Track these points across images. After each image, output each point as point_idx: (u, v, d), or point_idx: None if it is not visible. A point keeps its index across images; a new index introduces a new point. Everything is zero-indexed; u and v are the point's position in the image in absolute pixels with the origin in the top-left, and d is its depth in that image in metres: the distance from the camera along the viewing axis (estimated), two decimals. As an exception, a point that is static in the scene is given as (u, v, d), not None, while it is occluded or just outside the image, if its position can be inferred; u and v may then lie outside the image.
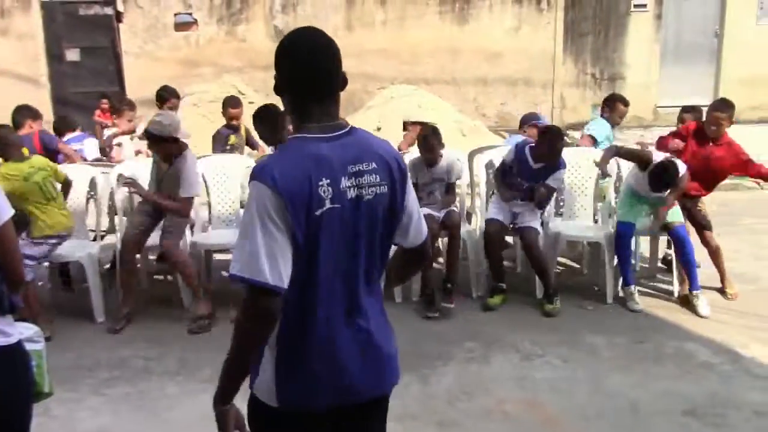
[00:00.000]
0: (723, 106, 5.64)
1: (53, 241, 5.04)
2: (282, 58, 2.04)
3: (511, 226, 5.63)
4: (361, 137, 2.07)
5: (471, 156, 6.21)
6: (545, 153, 5.41)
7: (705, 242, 5.64)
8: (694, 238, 5.60)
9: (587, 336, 4.98)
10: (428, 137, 5.53)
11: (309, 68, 2.00)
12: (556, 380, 4.39)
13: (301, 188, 1.90)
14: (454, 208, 5.65)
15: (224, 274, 5.94)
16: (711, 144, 5.61)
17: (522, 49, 13.12)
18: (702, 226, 5.68)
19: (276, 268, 1.89)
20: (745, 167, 5.68)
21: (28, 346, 2.52)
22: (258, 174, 1.93)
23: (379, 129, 11.28)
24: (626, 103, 6.62)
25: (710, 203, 8.54)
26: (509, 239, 6.10)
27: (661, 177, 5.26)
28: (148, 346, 4.90)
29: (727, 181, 9.56)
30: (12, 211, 2.39)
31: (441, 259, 5.97)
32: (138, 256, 5.50)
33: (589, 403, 4.12)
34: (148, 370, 4.57)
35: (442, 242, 5.75)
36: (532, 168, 5.51)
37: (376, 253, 2.10)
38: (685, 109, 6.67)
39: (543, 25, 13.15)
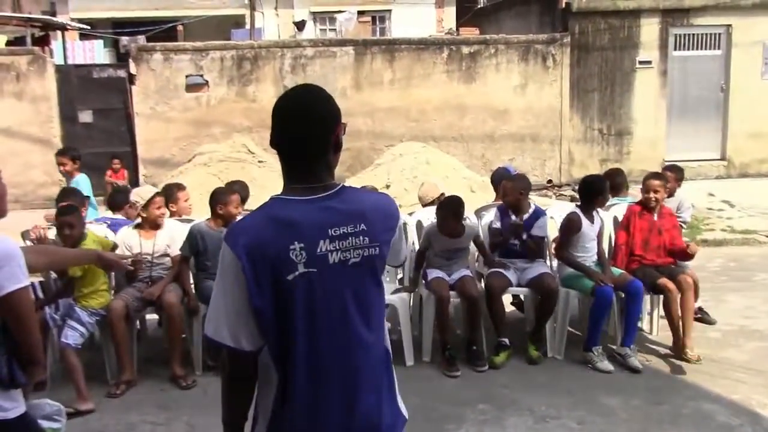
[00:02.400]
0: (658, 174, 6.00)
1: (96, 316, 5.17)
2: (273, 117, 2.02)
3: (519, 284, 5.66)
4: (350, 197, 2.02)
5: (477, 213, 6.19)
6: (449, 224, 5.47)
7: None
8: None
9: (602, 397, 4.88)
10: (460, 208, 5.54)
11: (292, 132, 1.98)
12: (572, 443, 4.30)
13: (265, 251, 1.88)
14: (469, 273, 5.64)
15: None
16: (655, 216, 5.72)
17: (529, 106, 13.27)
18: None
19: (234, 330, 1.91)
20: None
21: (45, 424, 2.48)
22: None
23: (388, 186, 11.34)
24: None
25: (724, 258, 8.54)
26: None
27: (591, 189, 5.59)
28: (157, 411, 4.83)
29: (737, 236, 9.64)
30: (28, 281, 2.31)
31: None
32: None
33: (606, 468, 4.03)
34: None
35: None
36: (518, 224, 5.67)
37: (372, 313, 2.05)
38: (668, 168, 6.79)
39: (549, 82, 13.30)
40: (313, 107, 2.00)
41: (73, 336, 4.96)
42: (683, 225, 6.45)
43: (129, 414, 4.82)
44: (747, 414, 4.59)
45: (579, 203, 5.79)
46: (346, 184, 2.13)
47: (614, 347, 5.56)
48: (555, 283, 5.48)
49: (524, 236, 5.64)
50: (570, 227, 5.60)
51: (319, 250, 1.92)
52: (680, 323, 5.43)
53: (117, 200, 6.32)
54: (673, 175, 6.43)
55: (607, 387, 5.05)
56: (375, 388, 2.07)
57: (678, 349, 5.44)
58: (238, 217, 5.48)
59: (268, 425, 2.02)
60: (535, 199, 11.70)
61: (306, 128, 1.98)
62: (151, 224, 5.46)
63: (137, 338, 5.63)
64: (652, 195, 5.67)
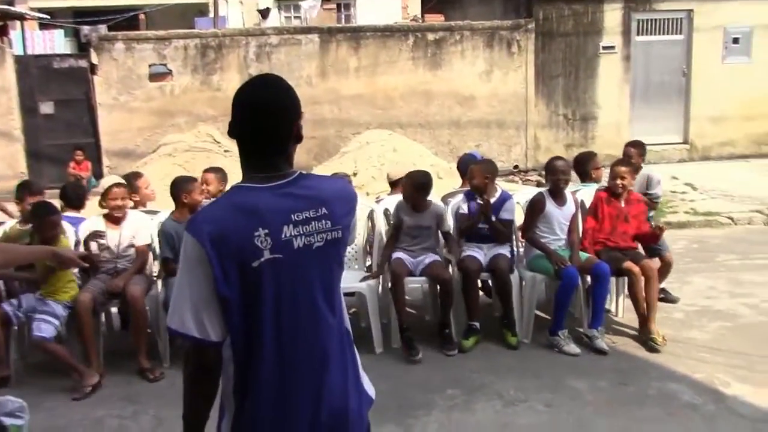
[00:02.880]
0: (625, 161, 6.03)
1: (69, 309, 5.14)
2: (234, 107, 2.02)
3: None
4: (310, 183, 2.04)
5: (444, 200, 6.21)
6: (412, 195, 5.60)
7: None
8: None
9: (570, 380, 4.94)
10: (426, 183, 5.64)
11: (252, 125, 1.98)
12: (539, 426, 4.34)
13: (229, 239, 1.87)
14: (438, 258, 5.67)
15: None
16: (622, 202, 5.78)
17: (494, 92, 13.33)
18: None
19: (200, 320, 1.89)
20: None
21: (8, 421, 2.45)
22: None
23: (355, 174, 11.31)
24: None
25: (688, 240, 8.68)
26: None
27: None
28: (124, 405, 4.78)
29: (700, 218, 9.80)
30: None
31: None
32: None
33: (574, 449, 4.08)
34: (124, 429, 4.46)
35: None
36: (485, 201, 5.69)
37: (335, 296, 2.08)
38: (631, 144, 6.78)
39: (514, 68, 13.36)
40: (276, 100, 2.00)
41: (47, 329, 4.92)
42: (656, 201, 6.51)
43: (95, 409, 4.76)
44: (710, 392, 4.68)
45: (548, 187, 5.83)
46: (313, 172, 2.13)
47: (581, 329, 5.63)
48: (507, 265, 5.54)
49: (492, 218, 5.66)
50: (533, 208, 5.66)
51: (283, 236, 1.93)
52: (645, 306, 5.51)
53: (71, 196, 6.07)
54: (636, 150, 6.44)
55: (574, 370, 5.11)
56: (341, 369, 2.08)
57: (644, 332, 5.51)
58: (205, 203, 5.46)
59: (233, 419, 2.02)
60: (501, 185, 11.84)
61: (268, 121, 1.98)
62: (111, 216, 5.39)
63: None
64: (618, 182, 5.73)
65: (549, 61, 13.55)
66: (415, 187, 5.61)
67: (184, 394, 2.02)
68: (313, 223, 1.98)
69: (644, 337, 5.47)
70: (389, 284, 5.55)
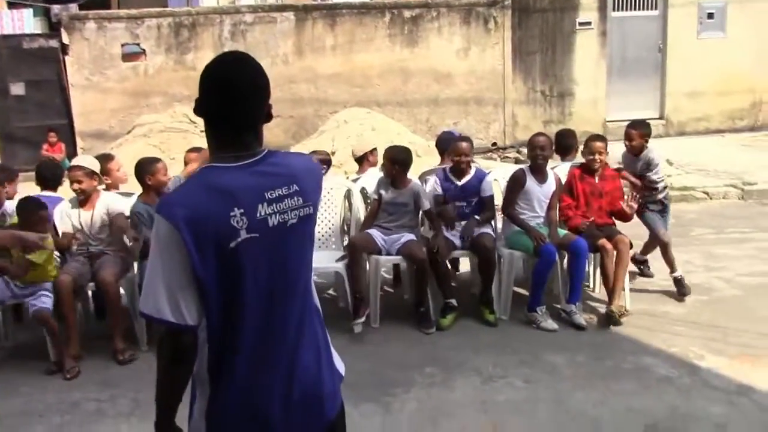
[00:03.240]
0: (600, 137, 5.99)
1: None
2: (201, 88, 1.97)
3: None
4: (279, 160, 2.02)
5: (422, 178, 6.19)
6: (388, 168, 5.63)
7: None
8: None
9: (547, 355, 4.97)
10: (406, 159, 5.66)
11: (223, 103, 1.94)
12: (518, 402, 4.37)
13: (205, 221, 1.84)
14: (414, 238, 5.66)
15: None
16: (596, 178, 5.79)
17: (472, 69, 13.28)
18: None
19: (176, 304, 1.84)
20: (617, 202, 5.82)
21: None
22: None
23: (333, 153, 11.25)
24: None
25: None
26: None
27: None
28: (100, 389, 4.74)
29: (676, 193, 9.86)
30: None
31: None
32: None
33: (552, 424, 4.11)
34: (101, 413, 4.43)
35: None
36: (459, 186, 5.73)
37: (308, 272, 2.09)
38: (631, 125, 6.67)
39: (491, 45, 13.32)
40: (250, 76, 1.97)
41: (47, 301, 4.97)
42: (656, 188, 6.10)
43: (72, 392, 4.73)
44: (685, 366, 4.74)
45: (529, 164, 5.83)
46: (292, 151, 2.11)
47: (559, 306, 5.66)
48: (492, 242, 5.55)
49: (474, 201, 5.69)
50: (514, 183, 5.68)
51: (258, 215, 1.90)
52: (605, 281, 5.56)
53: (46, 176, 5.98)
54: (637, 131, 6.08)
55: (552, 345, 5.15)
56: (314, 346, 2.09)
57: (607, 306, 5.52)
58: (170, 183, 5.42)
59: (207, 402, 2.00)
60: (480, 162, 11.84)
61: (242, 98, 1.94)
62: (81, 199, 5.32)
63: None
64: (596, 157, 5.73)
65: (526, 38, 13.51)
66: (393, 161, 5.59)
67: (157, 377, 1.98)
68: (286, 200, 1.96)
69: (607, 310, 5.50)
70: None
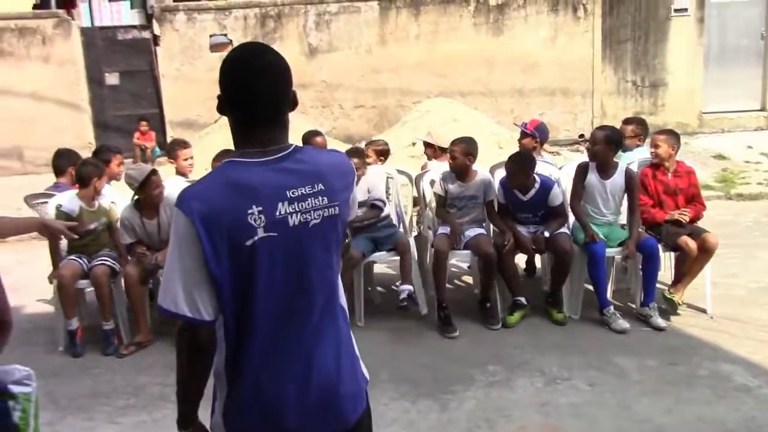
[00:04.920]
0: (666, 131, 5.75)
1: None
2: (222, 78, 1.91)
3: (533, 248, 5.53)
4: (306, 157, 1.94)
5: (492, 171, 6.01)
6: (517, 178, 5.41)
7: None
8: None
9: (616, 358, 4.76)
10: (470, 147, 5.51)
11: (246, 92, 1.87)
12: (581, 405, 4.19)
13: (221, 217, 1.80)
14: (483, 232, 5.53)
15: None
16: (670, 175, 5.55)
17: (559, 59, 12.90)
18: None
19: (192, 299, 1.82)
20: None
21: (16, 389, 2.47)
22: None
23: (414, 144, 11.17)
24: None
25: (758, 213, 8.28)
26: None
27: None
28: (167, 373, 4.82)
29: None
30: None
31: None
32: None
33: (613, 430, 3.92)
34: (164, 398, 4.50)
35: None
36: (524, 202, 5.47)
37: (333, 274, 2.00)
38: (626, 121, 6.43)
39: (580, 33, 12.90)
40: (270, 65, 1.90)
41: (104, 262, 5.30)
42: None
43: (140, 375, 4.86)
44: (766, 375, 4.43)
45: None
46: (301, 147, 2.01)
47: (635, 307, 5.42)
48: (569, 244, 5.33)
49: (540, 213, 5.52)
50: (578, 173, 5.50)
51: (278, 213, 1.85)
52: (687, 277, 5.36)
53: (60, 165, 6.04)
54: (631, 128, 6.21)
55: (622, 347, 4.93)
56: (334, 349, 2.01)
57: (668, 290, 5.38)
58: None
59: (225, 400, 1.97)
60: (566, 154, 11.52)
61: (266, 86, 1.88)
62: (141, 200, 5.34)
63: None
64: (653, 150, 5.56)
65: (617, 26, 13.00)
66: (466, 154, 5.46)
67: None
68: (309, 199, 1.89)
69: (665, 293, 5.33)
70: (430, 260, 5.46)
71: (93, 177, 5.31)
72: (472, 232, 5.48)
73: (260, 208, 1.82)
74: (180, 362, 1.95)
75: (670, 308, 5.34)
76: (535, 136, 6.10)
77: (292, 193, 1.87)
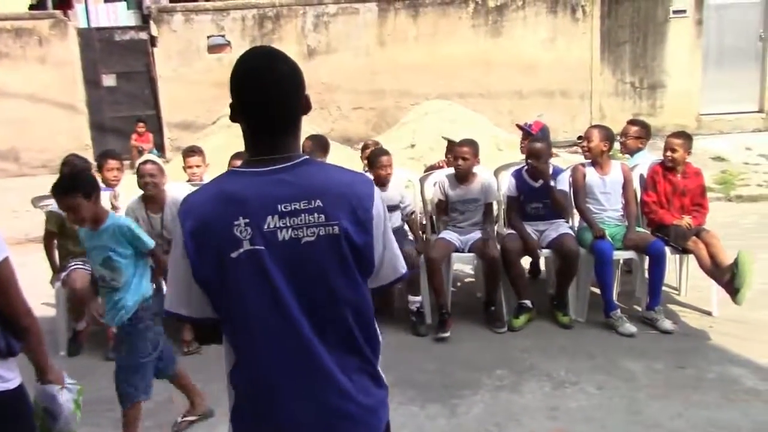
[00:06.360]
0: (680, 134, 5.69)
1: None
2: (231, 85, 1.86)
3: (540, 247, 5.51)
4: (312, 172, 1.85)
5: (497, 173, 5.98)
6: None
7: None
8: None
9: (624, 361, 4.73)
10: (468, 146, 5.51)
11: (252, 102, 1.83)
12: (590, 409, 4.16)
13: (208, 227, 1.79)
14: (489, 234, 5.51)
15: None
16: (679, 176, 5.53)
17: (558, 60, 12.90)
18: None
19: (189, 301, 1.87)
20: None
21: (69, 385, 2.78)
22: (178, 211, 1.88)
23: (413, 146, 11.16)
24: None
25: (759, 214, 8.28)
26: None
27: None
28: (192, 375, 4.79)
29: None
30: (7, 253, 2.33)
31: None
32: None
33: (624, 435, 3.90)
34: (169, 403, 4.47)
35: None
36: (535, 188, 5.49)
37: (336, 299, 1.85)
38: (630, 121, 6.44)
39: (579, 35, 12.90)
40: (278, 72, 1.85)
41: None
42: None
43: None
44: (776, 378, 4.42)
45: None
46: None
47: (640, 310, 5.40)
48: (575, 245, 5.30)
49: (549, 201, 5.51)
50: (574, 177, 5.51)
51: (266, 227, 1.78)
52: (714, 270, 5.24)
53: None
54: (635, 129, 6.19)
55: (630, 351, 4.90)
56: (336, 367, 1.87)
57: (728, 285, 5.12)
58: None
59: (231, 408, 1.96)
60: (564, 156, 11.51)
61: (272, 96, 1.83)
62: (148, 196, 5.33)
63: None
64: (669, 154, 5.50)
65: (615, 27, 13.01)
66: (475, 155, 5.49)
67: None
68: (302, 215, 1.80)
69: (729, 287, 5.10)
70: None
71: None
72: (476, 234, 5.45)
73: (247, 220, 1.78)
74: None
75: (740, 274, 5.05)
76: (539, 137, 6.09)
77: (284, 207, 1.79)
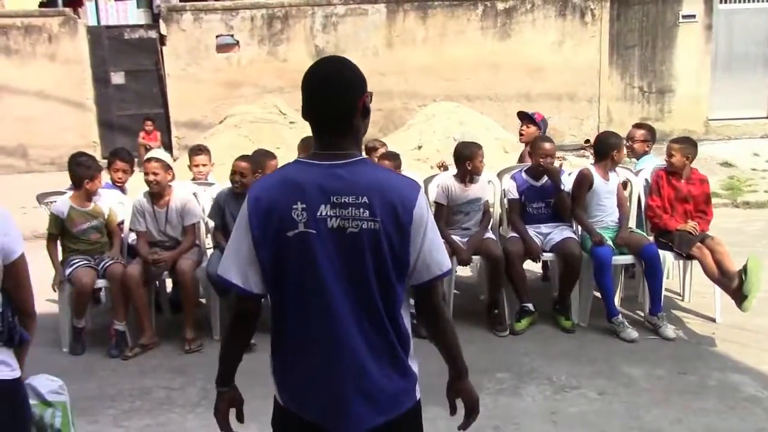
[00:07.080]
0: (681, 139, 5.72)
1: None
2: (302, 89, 2.09)
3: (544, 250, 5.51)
4: (364, 171, 2.06)
5: (500, 176, 5.97)
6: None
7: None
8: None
9: (625, 366, 4.73)
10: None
11: (316, 104, 2.07)
12: (589, 414, 4.15)
13: (271, 208, 2.02)
14: (492, 236, 5.52)
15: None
16: (683, 181, 5.53)
17: (566, 63, 12.89)
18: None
19: (245, 273, 2.07)
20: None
21: (53, 398, 2.72)
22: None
23: (420, 147, 11.16)
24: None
25: (765, 221, 8.25)
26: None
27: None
28: (172, 376, 4.82)
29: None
30: (24, 248, 2.41)
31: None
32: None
33: (624, 441, 3.90)
34: (170, 401, 4.48)
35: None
36: (537, 187, 5.53)
37: (369, 288, 2.05)
38: (636, 125, 6.43)
39: (587, 38, 12.89)
40: (335, 79, 2.06)
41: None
42: None
43: (145, 378, 4.82)
44: (777, 386, 4.40)
45: (593, 161, 5.69)
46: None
47: (643, 316, 5.39)
48: (578, 249, 5.30)
49: (552, 201, 5.53)
50: (581, 182, 5.45)
51: (319, 213, 2.00)
52: (721, 277, 5.20)
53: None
54: (641, 132, 6.20)
55: (631, 356, 4.89)
56: (368, 352, 2.08)
57: (735, 292, 5.10)
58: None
59: (272, 362, 2.18)
60: (572, 160, 11.48)
61: (328, 101, 2.05)
62: (155, 192, 5.37)
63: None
64: (667, 158, 5.54)
65: (624, 31, 13.00)
66: (480, 157, 5.47)
67: (222, 337, 2.21)
68: (350, 208, 2.00)
69: (736, 296, 5.07)
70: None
71: (84, 178, 5.29)
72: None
73: (304, 206, 2.01)
74: (226, 327, 2.34)
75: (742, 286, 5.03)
76: (540, 126, 6.19)
77: (336, 198, 2.00)
